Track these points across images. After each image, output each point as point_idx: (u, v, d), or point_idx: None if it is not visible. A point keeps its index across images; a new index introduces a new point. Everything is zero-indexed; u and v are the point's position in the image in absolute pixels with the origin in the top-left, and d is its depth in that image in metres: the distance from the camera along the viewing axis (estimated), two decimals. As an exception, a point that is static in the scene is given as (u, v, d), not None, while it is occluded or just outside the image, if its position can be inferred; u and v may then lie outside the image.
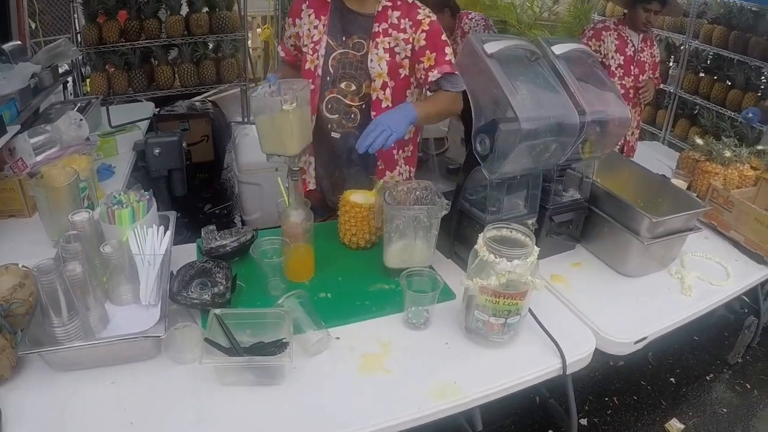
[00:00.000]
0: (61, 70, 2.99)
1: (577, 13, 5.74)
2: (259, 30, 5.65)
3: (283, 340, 1.07)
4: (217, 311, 1.12)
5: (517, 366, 1.21)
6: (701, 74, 4.25)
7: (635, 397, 2.35)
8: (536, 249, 1.14)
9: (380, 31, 1.60)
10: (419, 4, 1.64)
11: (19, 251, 1.62)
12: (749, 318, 2.32)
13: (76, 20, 3.76)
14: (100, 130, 2.61)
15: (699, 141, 2.34)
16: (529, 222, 1.44)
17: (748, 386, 2.47)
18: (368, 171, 1.79)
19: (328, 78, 1.67)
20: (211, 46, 4.07)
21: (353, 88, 1.66)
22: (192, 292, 1.26)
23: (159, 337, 1.10)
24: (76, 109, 2.57)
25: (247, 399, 1.07)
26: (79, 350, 1.11)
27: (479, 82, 1.25)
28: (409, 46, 1.62)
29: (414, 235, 1.34)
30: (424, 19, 1.61)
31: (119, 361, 1.15)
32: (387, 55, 1.61)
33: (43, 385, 1.10)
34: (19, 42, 2.85)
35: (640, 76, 2.87)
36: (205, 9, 3.87)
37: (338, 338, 1.22)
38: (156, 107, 3.56)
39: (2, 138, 1.83)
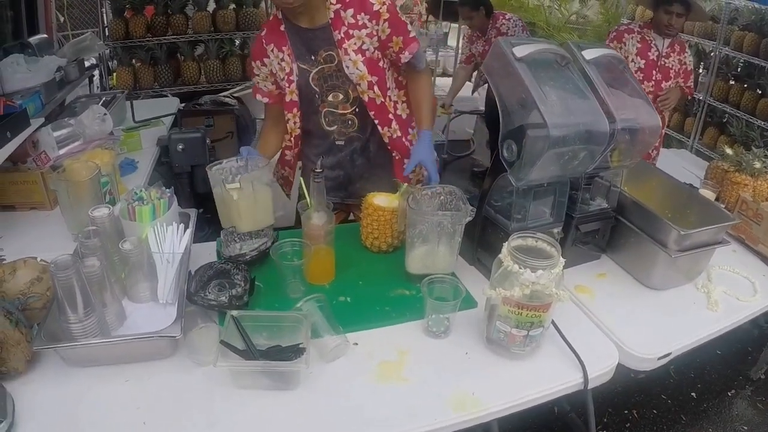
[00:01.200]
0: (87, 64, 3.03)
1: (607, 17, 5.66)
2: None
3: (300, 346, 1.05)
4: (234, 313, 1.10)
5: (538, 379, 1.17)
6: (731, 82, 4.14)
7: (655, 411, 2.29)
8: (562, 260, 1.10)
9: (342, 36, 1.58)
10: None
11: (39, 244, 1.63)
12: (774, 334, 2.26)
13: (104, 14, 3.81)
14: (125, 125, 2.64)
15: (728, 151, 2.27)
16: (555, 231, 1.41)
17: (771, 404, 2.40)
18: (382, 166, 1.81)
19: (317, 96, 1.67)
20: (237, 42, 4.08)
21: (341, 97, 1.67)
22: (209, 293, 1.24)
23: (175, 337, 1.09)
24: (101, 103, 2.59)
25: (261, 403, 1.06)
26: (94, 347, 1.11)
27: (507, 86, 1.22)
28: (375, 39, 1.60)
29: (437, 241, 1.31)
30: (380, 8, 1.57)
31: (135, 360, 1.14)
32: (360, 56, 1.59)
33: (57, 380, 1.10)
34: (46, 35, 2.88)
35: (663, 82, 2.78)
36: (232, 6, 3.90)
37: (356, 344, 1.20)
38: (181, 102, 3.59)
39: (25, 131, 1.85)
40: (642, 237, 1.52)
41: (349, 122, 1.71)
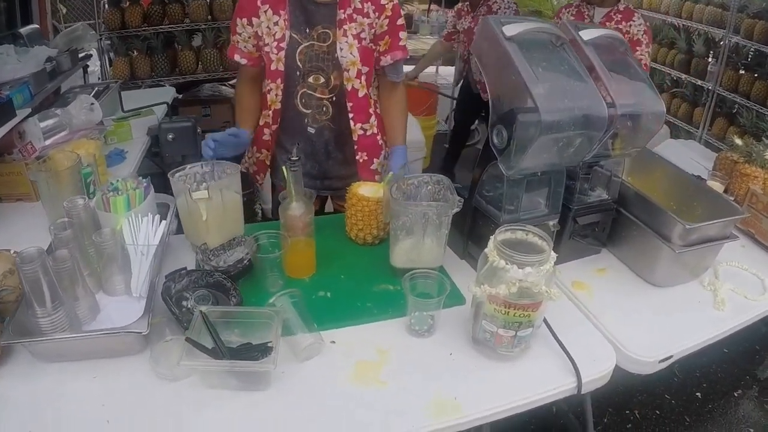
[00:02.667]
0: (82, 54, 2.99)
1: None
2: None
3: (268, 344, 0.98)
4: (204, 308, 1.04)
5: (527, 383, 1.10)
6: (741, 71, 3.99)
7: (658, 412, 2.21)
8: (553, 255, 1.03)
9: (346, 17, 1.52)
10: None
11: (23, 236, 1.60)
12: (784, 331, 2.17)
13: (103, 5, 3.76)
14: (117, 115, 2.59)
15: (738, 141, 2.17)
16: (551, 223, 1.33)
17: (778, 405, 2.31)
18: (348, 162, 1.75)
19: (298, 73, 1.59)
20: (235, 30, 4.02)
21: (322, 80, 1.60)
22: (189, 299, 1.15)
23: (140, 333, 1.03)
24: (93, 93, 2.55)
25: (230, 405, 1.00)
26: (61, 342, 1.06)
27: (497, 67, 1.14)
28: (372, 31, 1.57)
29: (423, 234, 1.24)
30: (387, 3, 1.56)
31: (103, 355, 1.09)
32: (356, 41, 1.54)
33: (28, 375, 1.06)
34: (37, 26, 2.84)
35: None
36: (229, -8, 3.82)
37: (333, 342, 1.13)
38: (179, 92, 3.53)
39: (11, 121, 1.80)
40: (645, 230, 1.44)
41: (324, 109, 1.64)
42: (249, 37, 1.58)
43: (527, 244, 1.08)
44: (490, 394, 1.06)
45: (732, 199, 1.90)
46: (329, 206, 2.01)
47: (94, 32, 2.98)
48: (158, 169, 3.04)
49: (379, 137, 1.72)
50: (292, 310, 1.08)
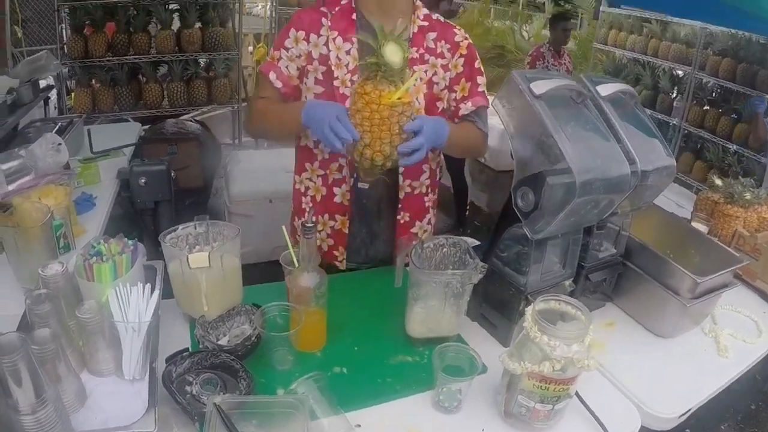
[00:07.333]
0: (43, 84, 2.79)
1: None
2: (250, 48, 5.47)
3: (301, 445, 0.88)
4: (217, 400, 0.92)
5: (563, 457, 1.05)
6: (706, 107, 4.15)
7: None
8: (591, 326, 0.99)
9: (417, 57, 1.33)
10: (452, 23, 1.42)
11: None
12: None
13: (63, 31, 3.55)
14: (82, 154, 2.40)
15: (718, 182, 2.23)
16: (566, 283, 1.30)
17: (763, 436, 2.37)
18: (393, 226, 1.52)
19: None
20: (202, 64, 3.89)
21: None
22: (192, 384, 1.03)
23: (148, 432, 0.90)
24: (56, 129, 2.36)
25: None
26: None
27: (523, 126, 1.10)
28: (448, 74, 1.38)
29: (443, 302, 1.17)
30: (462, 41, 1.39)
31: (98, 455, 0.95)
32: (425, 86, 1.35)
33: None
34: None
35: None
36: (198, 24, 3.70)
37: (359, 426, 1.03)
38: (143, 126, 3.35)
39: (-33, 165, 1.63)
40: (652, 284, 1.43)
41: None
42: (297, 57, 1.31)
43: (559, 312, 1.03)
44: (532, 475, 1.00)
45: (716, 239, 1.94)
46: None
47: (57, 61, 2.79)
48: (123, 214, 2.84)
49: (427, 198, 1.51)
50: (319, 397, 0.98)
